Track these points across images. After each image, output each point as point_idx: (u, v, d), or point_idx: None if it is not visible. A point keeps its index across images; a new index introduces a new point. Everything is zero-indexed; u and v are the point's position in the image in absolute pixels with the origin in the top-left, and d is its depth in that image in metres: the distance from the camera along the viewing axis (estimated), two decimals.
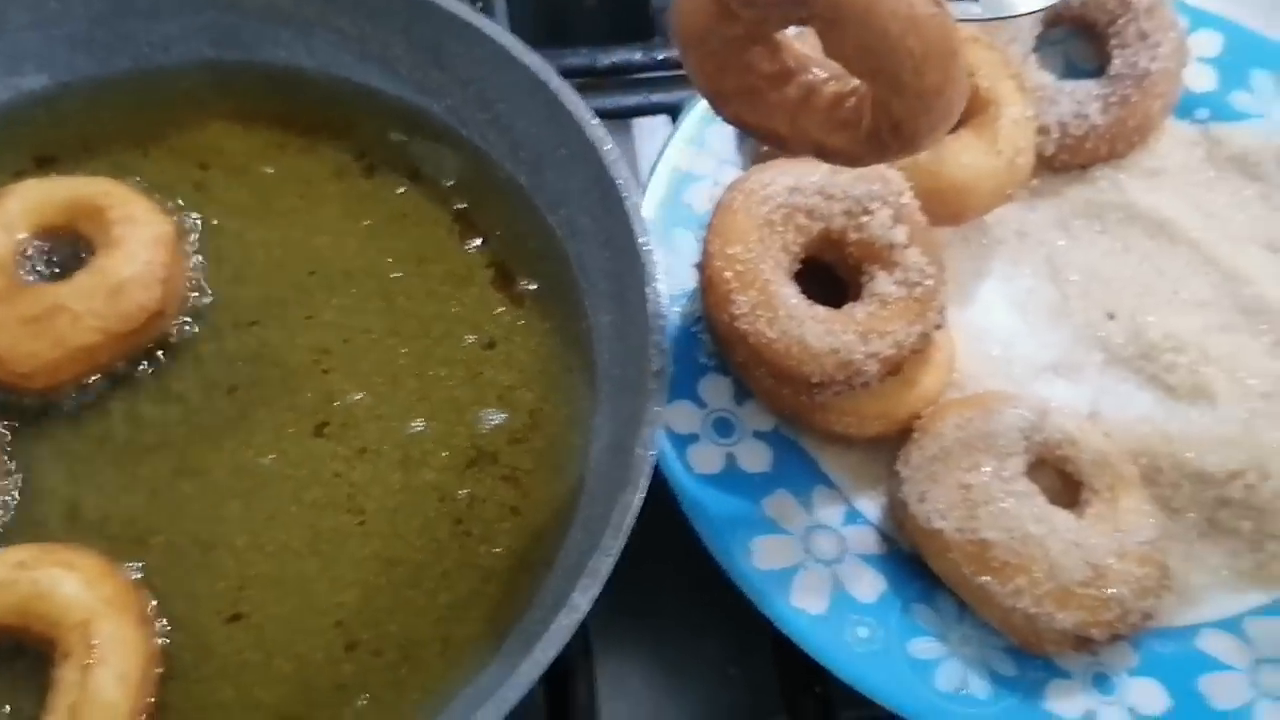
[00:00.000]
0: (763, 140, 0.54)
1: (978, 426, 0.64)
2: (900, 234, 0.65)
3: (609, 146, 0.67)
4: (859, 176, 0.66)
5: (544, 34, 0.99)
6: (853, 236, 0.65)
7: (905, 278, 0.64)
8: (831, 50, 0.47)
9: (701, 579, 0.66)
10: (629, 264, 0.64)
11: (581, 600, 0.54)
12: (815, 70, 0.50)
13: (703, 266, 0.65)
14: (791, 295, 0.63)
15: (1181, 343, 0.74)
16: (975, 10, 0.62)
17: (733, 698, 0.70)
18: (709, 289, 0.64)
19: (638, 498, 0.56)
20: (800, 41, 0.51)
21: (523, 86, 0.71)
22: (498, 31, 0.71)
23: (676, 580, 0.70)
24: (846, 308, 0.65)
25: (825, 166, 0.66)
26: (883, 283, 0.65)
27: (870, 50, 0.45)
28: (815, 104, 0.50)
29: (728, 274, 0.63)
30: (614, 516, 0.56)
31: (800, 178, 0.65)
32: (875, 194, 0.65)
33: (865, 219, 0.65)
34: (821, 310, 0.64)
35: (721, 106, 0.53)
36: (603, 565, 0.54)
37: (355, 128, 0.77)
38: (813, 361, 0.62)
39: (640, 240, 0.63)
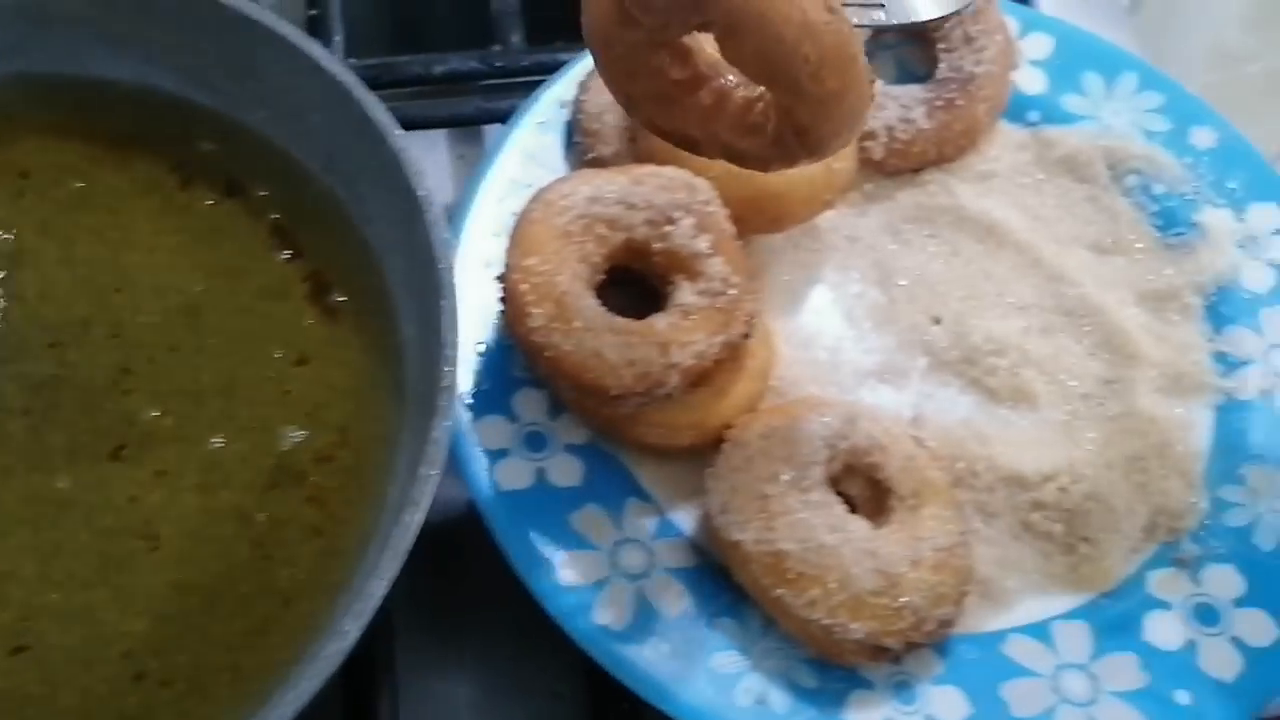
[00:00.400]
0: (677, 144, 0.54)
1: (781, 435, 0.63)
2: (703, 243, 0.64)
3: (411, 157, 0.66)
4: (663, 185, 0.65)
5: (391, 42, 0.98)
6: (657, 246, 0.65)
7: (709, 287, 0.64)
8: (730, 57, 0.47)
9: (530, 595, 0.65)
10: (430, 277, 0.63)
11: (351, 626, 0.52)
12: (728, 76, 0.51)
13: (502, 279, 0.64)
14: (590, 307, 0.62)
15: (1003, 346, 0.74)
16: (880, 16, 0.62)
17: (557, 716, 0.69)
18: (507, 302, 0.63)
19: (417, 518, 0.55)
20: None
21: (332, 97, 0.69)
22: (306, 41, 0.70)
23: (504, 597, 0.69)
24: (649, 319, 0.64)
25: (627, 176, 0.66)
26: (685, 293, 0.64)
27: (767, 57, 0.45)
28: (726, 109, 0.50)
29: (524, 286, 0.62)
30: (392, 538, 0.55)
31: (600, 187, 0.64)
32: (679, 203, 0.65)
33: (668, 228, 0.64)
34: (621, 322, 0.63)
35: (634, 111, 0.53)
36: (376, 588, 0.53)
37: (170, 141, 0.75)
38: (611, 374, 0.61)
39: (436, 252, 0.62)
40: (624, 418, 0.65)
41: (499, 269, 0.69)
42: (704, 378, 0.64)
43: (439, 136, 0.91)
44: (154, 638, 0.59)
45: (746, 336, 0.65)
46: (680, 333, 0.63)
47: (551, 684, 0.70)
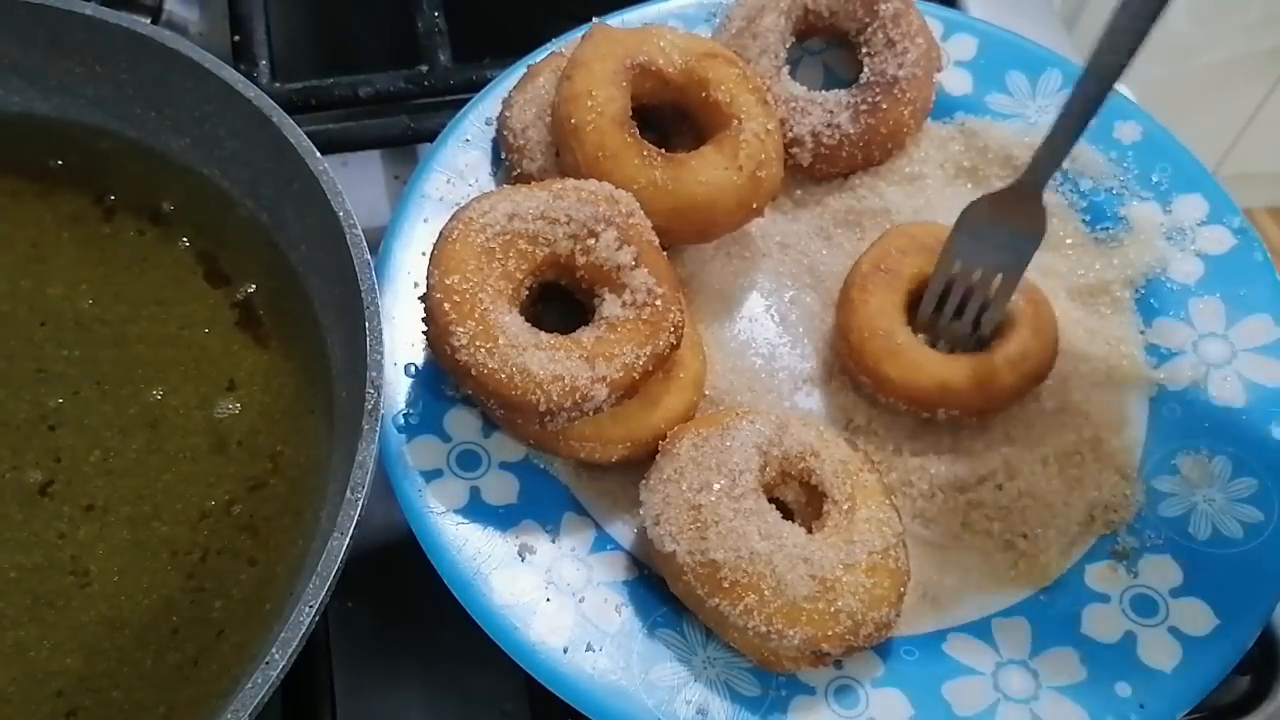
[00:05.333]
0: None
1: (712, 445, 0.63)
2: (627, 255, 0.64)
3: (332, 178, 0.65)
4: (584, 199, 0.65)
5: (319, 64, 0.98)
6: (581, 260, 0.65)
7: (634, 299, 0.64)
8: None
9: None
10: (354, 299, 0.63)
11: (279, 655, 0.52)
12: None
13: (425, 299, 0.63)
14: (513, 323, 0.62)
15: None
16: None
17: None
18: (430, 321, 0.63)
19: (344, 544, 0.55)
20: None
21: (251, 122, 0.69)
22: (221, 67, 0.69)
23: (448, 617, 0.68)
24: (576, 333, 0.64)
25: (547, 191, 0.66)
26: (611, 305, 0.64)
27: None
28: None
29: (446, 305, 0.61)
30: (321, 565, 0.54)
31: (519, 203, 0.64)
32: (601, 215, 0.65)
33: (591, 241, 0.64)
34: (546, 337, 0.63)
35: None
36: (304, 616, 0.53)
37: (93, 171, 0.75)
38: (537, 389, 0.61)
39: (359, 274, 0.62)
40: (555, 434, 0.65)
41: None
42: (633, 390, 0.63)
43: (374, 159, 0.91)
44: (87, 675, 0.59)
45: (674, 347, 0.65)
46: (607, 345, 0.62)
47: (499, 702, 0.69)
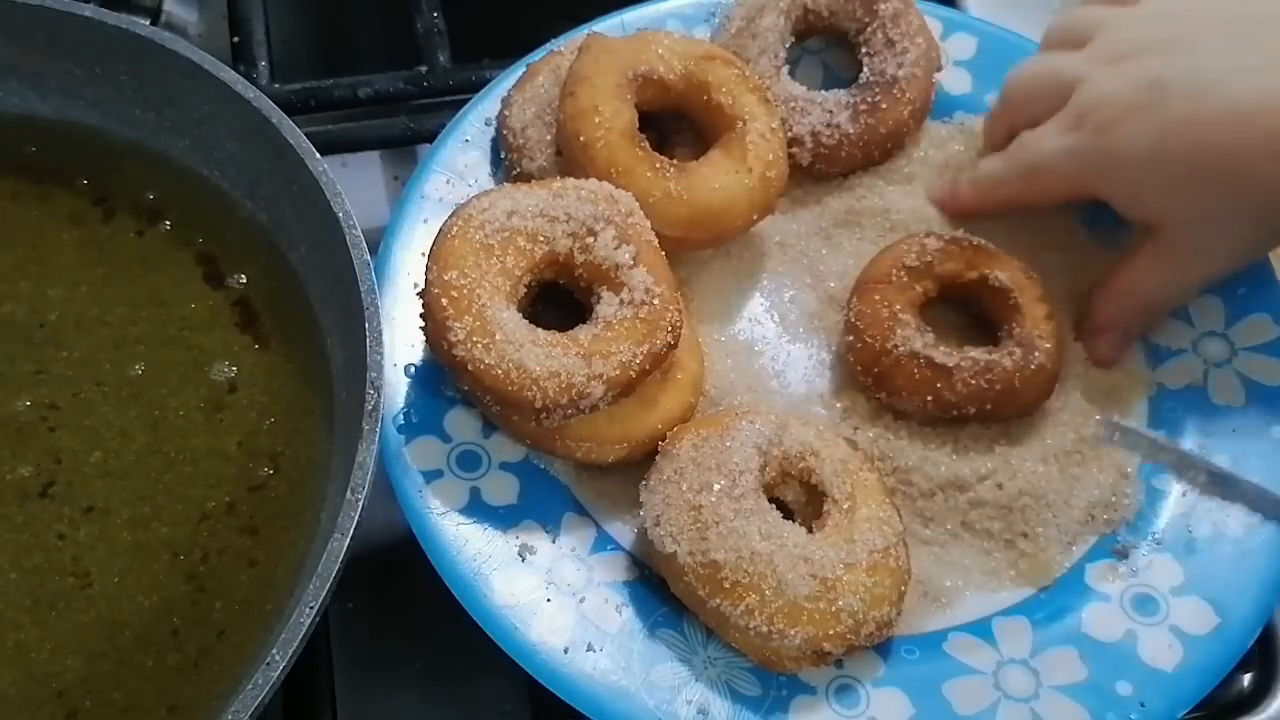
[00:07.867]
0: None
1: (712, 445, 0.63)
2: (625, 254, 0.64)
3: (330, 180, 0.66)
4: (583, 197, 0.65)
5: (318, 65, 0.98)
6: (580, 258, 0.65)
7: (631, 298, 0.64)
8: None
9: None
10: (353, 299, 0.63)
11: (280, 655, 0.52)
12: None
13: (423, 295, 0.64)
14: (511, 319, 0.62)
15: None
16: None
17: None
18: (428, 317, 0.63)
19: (345, 544, 0.55)
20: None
21: (250, 123, 0.69)
22: (221, 69, 0.70)
23: (448, 617, 0.68)
24: (573, 330, 0.64)
25: (547, 189, 0.66)
26: (608, 304, 0.64)
27: None
28: None
29: (444, 300, 0.61)
30: (321, 566, 0.54)
31: (519, 201, 0.64)
32: (600, 214, 0.65)
33: (590, 240, 0.64)
34: (544, 334, 0.63)
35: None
36: (304, 617, 0.53)
37: (93, 172, 0.75)
38: (533, 386, 0.61)
39: (359, 274, 0.62)
40: (551, 434, 0.65)
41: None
42: (629, 388, 0.63)
43: (373, 159, 0.91)
44: (88, 676, 0.59)
45: (672, 347, 0.65)
46: (604, 343, 0.62)
47: (499, 703, 0.69)
